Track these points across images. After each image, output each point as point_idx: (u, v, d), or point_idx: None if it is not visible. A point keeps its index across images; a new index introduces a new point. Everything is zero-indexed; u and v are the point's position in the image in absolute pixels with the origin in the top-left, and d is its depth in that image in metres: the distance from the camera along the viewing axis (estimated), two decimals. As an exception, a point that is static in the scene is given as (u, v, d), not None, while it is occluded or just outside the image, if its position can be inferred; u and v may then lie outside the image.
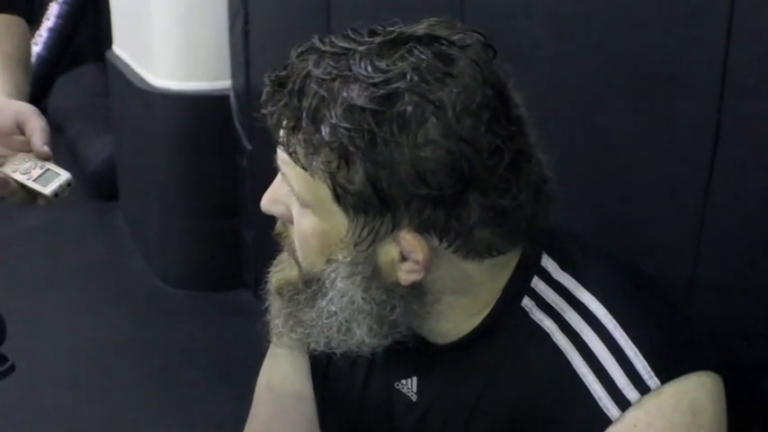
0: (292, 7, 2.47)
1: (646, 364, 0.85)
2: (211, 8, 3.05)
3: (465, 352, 0.94)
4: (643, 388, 0.84)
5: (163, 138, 3.19)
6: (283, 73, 0.84)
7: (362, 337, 0.90)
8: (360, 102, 0.79)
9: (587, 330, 0.88)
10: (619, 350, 0.86)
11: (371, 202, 0.82)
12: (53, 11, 4.88)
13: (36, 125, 1.07)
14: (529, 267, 0.92)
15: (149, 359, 2.86)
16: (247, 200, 3.08)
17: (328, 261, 0.87)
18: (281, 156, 0.86)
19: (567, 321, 0.89)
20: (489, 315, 0.92)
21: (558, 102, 1.31)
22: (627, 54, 1.21)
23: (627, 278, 0.93)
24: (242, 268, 3.20)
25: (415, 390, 0.99)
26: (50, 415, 2.56)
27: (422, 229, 0.83)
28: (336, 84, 0.80)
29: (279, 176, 0.89)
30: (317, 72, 0.82)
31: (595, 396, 0.86)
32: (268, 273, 0.97)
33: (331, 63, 0.82)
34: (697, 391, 0.85)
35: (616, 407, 0.84)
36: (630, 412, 0.84)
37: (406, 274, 0.86)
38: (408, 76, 0.79)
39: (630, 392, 0.84)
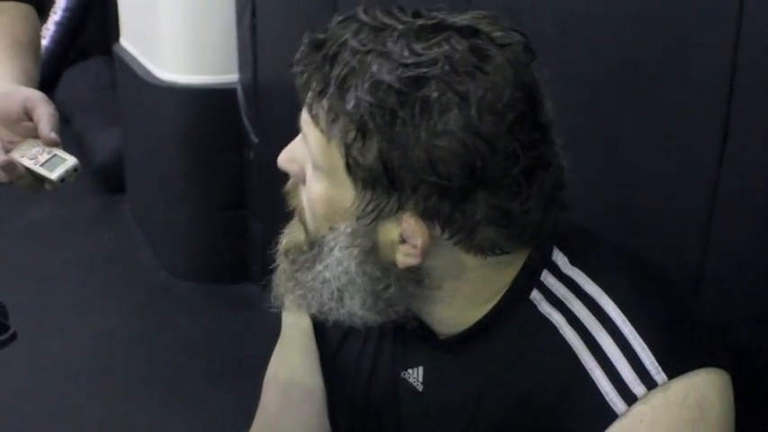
0: (300, 1, 2.47)
1: (653, 359, 0.85)
2: (219, 1, 3.05)
3: (472, 343, 0.94)
4: (650, 383, 0.84)
5: (170, 131, 3.19)
6: (322, 35, 0.85)
7: (354, 308, 0.91)
8: (387, 79, 0.79)
9: (595, 325, 0.88)
10: (627, 345, 0.86)
11: (380, 180, 0.82)
12: (60, 4, 4.88)
13: (43, 111, 1.08)
14: (539, 261, 0.92)
15: (156, 351, 2.87)
16: (254, 193, 3.08)
17: (331, 228, 0.88)
18: (304, 116, 0.87)
19: (575, 315, 0.89)
20: (496, 306, 0.92)
21: (568, 99, 1.30)
22: (636, 52, 1.21)
23: (636, 273, 0.93)
24: (248, 261, 3.21)
25: (421, 379, 0.99)
26: (56, 407, 2.57)
27: (425, 215, 0.84)
28: (369, 57, 0.81)
29: (299, 136, 0.90)
30: (353, 42, 0.82)
31: (602, 390, 0.86)
32: (274, 266, 0.98)
33: (368, 36, 0.82)
34: (704, 387, 0.85)
35: (623, 401, 0.84)
36: (637, 407, 0.84)
37: (403, 257, 0.87)
38: (440, 64, 0.80)
39: (637, 387, 0.84)
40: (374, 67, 0.80)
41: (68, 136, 4.34)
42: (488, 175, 0.81)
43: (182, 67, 3.13)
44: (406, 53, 0.80)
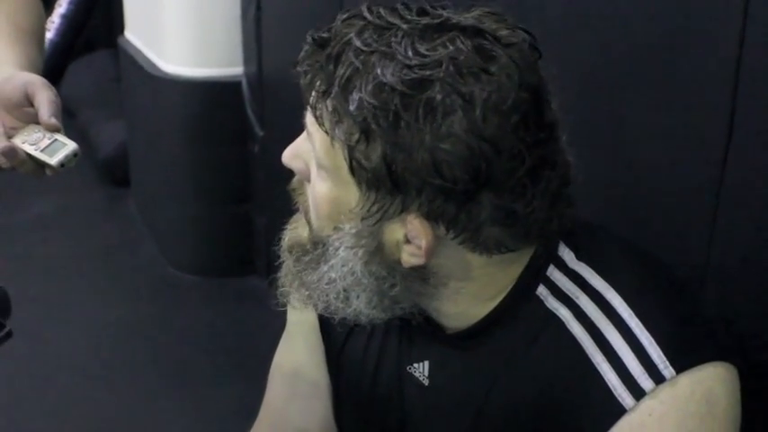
0: (305, -7, 2.47)
1: (661, 353, 0.84)
2: (224, -6, 3.05)
3: (478, 338, 0.94)
4: (658, 377, 0.84)
5: (175, 124, 3.19)
6: (326, 34, 0.84)
7: (360, 307, 0.91)
8: (391, 81, 0.79)
9: (603, 319, 0.88)
10: (634, 339, 0.86)
11: (384, 182, 0.82)
12: (66, -3, 4.88)
13: (44, 97, 1.08)
14: (545, 257, 0.92)
15: (161, 345, 2.88)
16: (259, 186, 3.08)
17: (335, 228, 0.87)
18: (308, 116, 0.86)
19: (582, 310, 0.89)
20: (502, 302, 0.92)
21: (573, 93, 1.30)
22: (641, 47, 1.20)
23: (643, 268, 0.92)
24: (253, 254, 3.21)
25: (426, 374, 0.99)
26: (62, 399, 2.58)
27: (430, 216, 0.83)
28: (373, 58, 0.80)
29: (304, 134, 0.89)
30: (357, 42, 0.81)
31: (610, 385, 0.85)
32: (279, 259, 0.98)
33: (373, 35, 0.81)
34: (712, 381, 0.84)
35: (631, 396, 0.84)
36: (645, 401, 0.84)
37: (408, 257, 0.87)
38: (444, 65, 0.79)
39: (645, 382, 0.84)
40: (378, 69, 0.80)
41: (73, 129, 4.36)
42: (493, 177, 0.81)
43: (186, 59, 3.13)
44: (411, 54, 0.80)
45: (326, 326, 1.08)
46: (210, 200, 3.24)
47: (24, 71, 1.14)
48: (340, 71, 0.81)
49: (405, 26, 0.82)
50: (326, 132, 0.83)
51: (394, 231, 0.85)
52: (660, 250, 1.02)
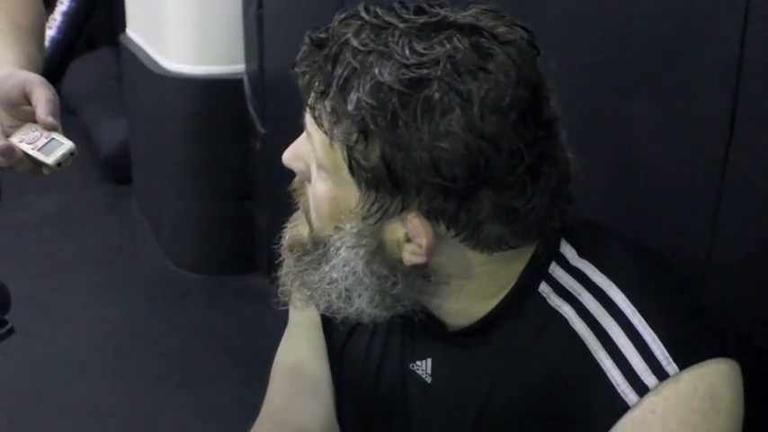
0: (306, -9, 2.47)
1: (664, 349, 0.84)
2: (225, -8, 3.05)
3: (481, 336, 0.94)
4: (661, 374, 0.84)
5: (176, 121, 3.19)
6: (323, 35, 0.84)
7: (362, 306, 0.90)
8: (388, 80, 0.79)
9: (605, 316, 0.88)
10: (637, 336, 0.86)
11: (383, 181, 0.82)
12: (67, -5, 4.89)
13: (41, 95, 1.07)
14: (547, 254, 0.92)
15: (163, 342, 2.88)
16: (260, 183, 3.08)
17: (336, 228, 0.87)
18: (308, 117, 0.86)
19: (584, 307, 0.89)
20: (504, 300, 0.92)
21: (573, 90, 1.30)
22: (643, 43, 1.20)
23: (645, 264, 0.92)
24: (255, 252, 3.21)
25: (429, 371, 0.99)
26: (63, 397, 2.58)
27: (430, 215, 0.83)
28: (370, 58, 0.80)
29: (304, 134, 0.89)
30: (354, 42, 0.81)
31: (613, 382, 0.85)
32: (280, 260, 0.98)
33: (370, 35, 0.81)
34: (715, 378, 0.84)
35: (634, 392, 0.84)
36: (648, 398, 0.84)
37: (409, 256, 0.87)
38: (441, 64, 0.79)
39: (648, 378, 0.84)
40: (375, 69, 0.80)
41: (75, 127, 4.37)
42: (493, 175, 0.81)
43: (188, 57, 3.13)
44: (408, 53, 0.80)
45: (328, 324, 1.08)
46: (212, 197, 3.24)
47: (23, 70, 1.14)
48: (338, 71, 0.81)
49: (402, 25, 0.82)
50: (325, 133, 0.83)
51: (395, 230, 0.86)
52: (661, 249, 1.02)
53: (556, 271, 0.91)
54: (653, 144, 1.21)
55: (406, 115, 0.79)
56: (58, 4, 4.89)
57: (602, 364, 0.86)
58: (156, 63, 3.28)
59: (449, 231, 0.85)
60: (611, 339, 0.87)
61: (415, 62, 0.79)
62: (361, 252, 0.87)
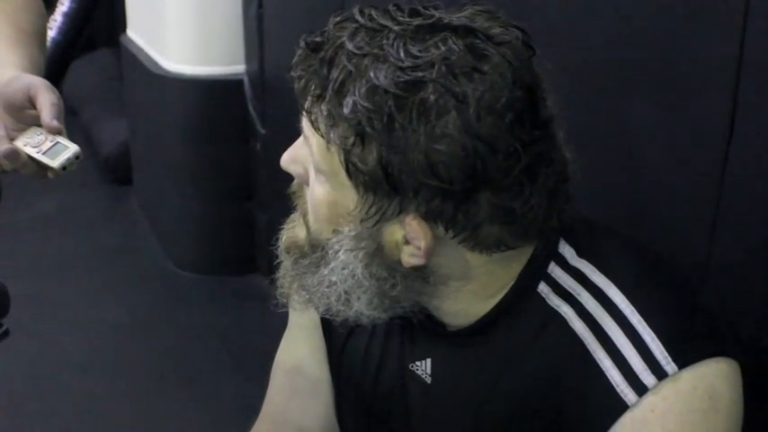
0: (306, -9, 2.47)
1: (663, 349, 0.84)
2: (225, -8, 3.05)
3: (480, 336, 0.94)
4: (660, 373, 0.84)
5: (177, 122, 3.19)
6: (319, 39, 0.84)
7: (361, 308, 0.90)
8: (384, 84, 0.79)
9: (604, 316, 0.88)
10: (636, 336, 0.86)
11: (381, 184, 0.82)
12: (67, -5, 4.89)
13: (46, 99, 1.07)
14: (545, 254, 0.92)
15: (163, 343, 2.88)
16: (261, 184, 3.08)
17: (334, 231, 0.88)
18: (304, 121, 0.86)
19: (584, 307, 0.89)
20: (503, 300, 0.92)
21: (574, 90, 1.30)
22: (642, 44, 1.20)
23: (644, 264, 0.92)
24: (255, 253, 3.21)
25: (429, 372, 0.99)
26: (63, 398, 2.58)
27: (428, 217, 0.83)
28: (365, 61, 0.80)
29: (301, 138, 0.90)
30: (349, 45, 0.81)
31: (612, 382, 0.85)
32: (278, 262, 0.98)
33: (365, 38, 0.82)
34: (714, 377, 0.84)
35: (633, 392, 0.84)
36: (647, 398, 0.84)
37: (408, 257, 0.87)
38: (436, 66, 0.79)
39: (648, 378, 0.84)
40: (371, 72, 0.80)
41: (75, 127, 4.36)
42: (490, 176, 0.81)
43: (188, 57, 3.13)
44: (403, 56, 0.80)
45: (328, 324, 1.08)
46: (213, 198, 3.23)
47: (27, 73, 1.14)
48: (333, 75, 0.81)
49: (396, 28, 0.82)
50: (322, 136, 0.84)
51: (393, 232, 0.86)
52: (661, 249, 1.02)
53: (555, 271, 0.91)
54: (653, 144, 1.21)
55: (403, 118, 0.79)
56: (58, 4, 4.89)
57: (601, 364, 0.86)
58: (156, 64, 3.28)
59: (447, 233, 0.85)
60: (611, 339, 0.87)
61: (411, 65, 0.79)
62: (360, 255, 0.87)
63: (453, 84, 0.79)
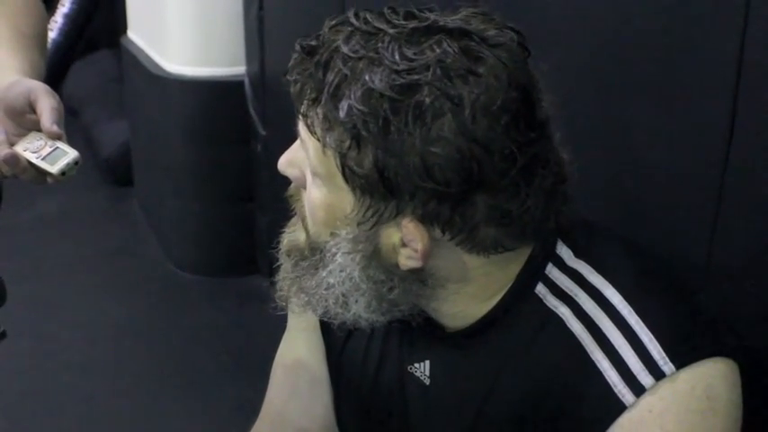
0: (307, -8, 2.47)
1: (661, 349, 0.84)
2: (226, -7, 3.05)
3: (478, 337, 0.94)
4: (658, 374, 0.84)
5: (177, 123, 3.19)
6: (314, 42, 0.84)
7: (359, 311, 0.91)
8: (379, 87, 0.79)
9: (602, 316, 0.88)
10: (634, 336, 0.86)
11: (377, 187, 0.82)
12: (68, -3, 4.89)
13: (46, 104, 1.07)
14: (543, 255, 0.92)
15: (164, 344, 2.88)
16: (262, 185, 3.08)
17: (332, 234, 0.88)
18: (301, 124, 0.87)
19: (581, 307, 0.89)
20: (501, 301, 0.92)
21: (574, 91, 1.30)
22: (642, 44, 1.20)
23: (642, 264, 0.92)
24: (256, 254, 3.21)
25: (427, 373, 0.99)
26: (64, 399, 2.58)
27: (425, 219, 0.84)
28: (361, 64, 0.80)
29: (298, 141, 0.90)
30: (345, 49, 0.82)
31: (610, 382, 0.85)
32: (277, 264, 0.98)
33: (360, 42, 0.82)
34: (712, 377, 0.84)
35: (631, 392, 0.84)
36: (645, 398, 0.84)
37: (405, 260, 0.87)
38: (431, 69, 0.79)
39: (645, 378, 0.84)
40: (366, 75, 0.80)
41: (76, 129, 4.38)
42: (486, 178, 0.81)
43: (189, 59, 3.13)
44: (398, 59, 0.80)
45: (327, 326, 1.08)
46: (213, 199, 3.24)
47: (27, 77, 1.14)
48: (329, 79, 0.81)
49: (392, 31, 0.82)
50: (318, 140, 0.84)
51: (390, 235, 0.86)
52: (661, 251, 1.03)
53: (552, 272, 0.91)
54: (653, 144, 1.21)
55: (398, 121, 0.79)
56: (59, 6, 4.89)
57: (598, 365, 0.86)
58: (157, 65, 3.29)
59: (444, 235, 0.85)
60: (608, 340, 0.87)
61: (406, 68, 0.79)
62: (358, 257, 0.87)
63: (448, 86, 0.79)
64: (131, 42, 3.68)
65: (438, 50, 0.80)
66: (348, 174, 0.83)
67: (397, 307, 0.92)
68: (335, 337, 1.07)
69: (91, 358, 2.79)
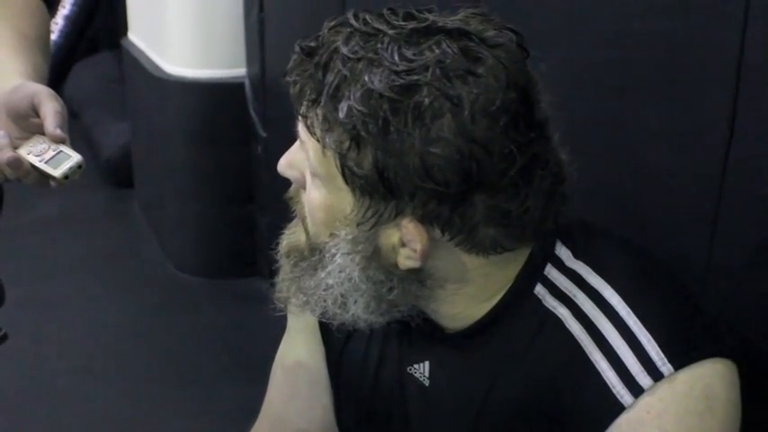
0: (307, -6, 2.47)
1: (659, 350, 0.84)
2: (227, -5, 3.05)
3: (478, 338, 0.94)
4: (656, 374, 0.84)
5: (178, 125, 3.19)
6: (313, 43, 0.85)
7: (358, 312, 0.91)
8: (379, 88, 0.79)
9: (601, 317, 0.88)
10: (632, 337, 0.86)
11: (377, 188, 0.82)
12: (69, -2, 4.90)
13: (50, 108, 1.07)
14: (542, 256, 0.92)
15: (164, 345, 2.88)
16: (262, 187, 3.08)
17: (332, 235, 0.88)
18: (300, 125, 0.87)
19: (580, 308, 0.89)
20: (500, 302, 0.92)
21: (573, 87, 1.30)
22: (642, 40, 1.20)
23: (640, 265, 0.92)
24: (256, 255, 3.21)
25: (427, 374, 0.99)
26: (64, 400, 2.58)
27: (424, 220, 0.84)
28: (360, 65, 0.80)
29: (297, 142, 0.90)
30: (344, 49, 0.82)
31: (609, 383, 0.85)
32: (277, 266, 0.98)
33: (359, 43, 0.82)
34: (711, 378, 0.84)
35: (629, 393, 0.84)
36: (644, 399, 0.84)
37: (405, 260, 0.87)
38: (431, 70, 0.79)
39: (644, 379, 0.84)
40: (365, 76, 0.80)
41: (77, 130, 4.37)
42: (485, 178, 0.81)
43: (190, 61, 3.13)
44: (397, 59, 0.80)
45: (326, 327, 1.08)
46: (214, 201, 3.24)
47: (31, 80, 1.14)
48: (328, 79, 0.82)
49: (391, 32, 0.82)
50: (318, 141, 0.84)
51: (389, 236, 0.86)
52: (661, 251, 1.02)
53: (551, 273, 0.91)
54: (653, 144, 1.21)
55: (397, 122, 0.79)
56: (60, 8, 4.90)
57: (597, 366, 0.86)
58: (157, 67, 3.29)
59: (443, 235, 0.85)
60: (607, 340, 0.87)
61: (405, 68, 0.79)
62: (357, 258, 0.87)
63: (448, 87, 0.79)
64: (132, 44, 3.68)
65: (437, 51, 0.80)
66: (348, 174, 0.83)
67: (396, 308, 0.92)
68: (335, 339, 1.07)
69: (91, 359, 2.79)
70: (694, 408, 0.84)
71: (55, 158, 1.06)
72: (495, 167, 0.81)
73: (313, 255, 0.91)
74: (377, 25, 0.83)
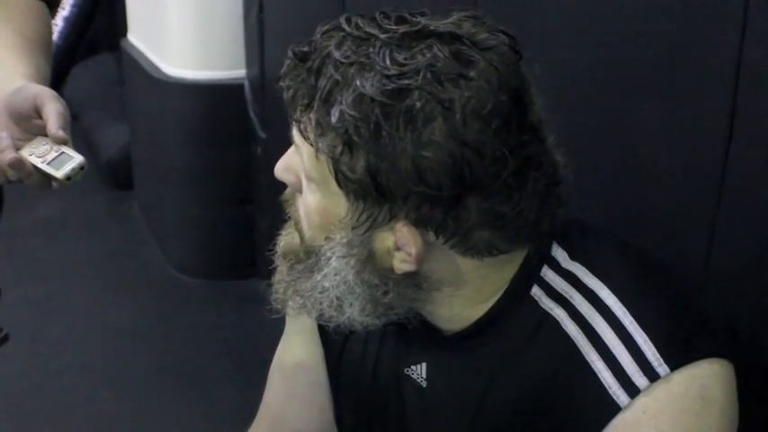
0: (306, -5, 2.47)
1: (655, 351, 0.84)
2: (226, -3, 3.06)
3: (474, 339, 0.94)
4: (652, 375, 0.83)
5: (177, 126, 3.20)
6: (306, 48, 0.85)
7: (353, 315, 0.91)
8: (370, 92, 0.79)
9: (597, 318, 0.87)
10: (628, 337, 0.85)
11: (370, 192, 0.82)
12: (68, 0, 4.89)
13: (52, 109, 1.07)
14: (538, 257, 0.91)
15: (164, 347, 2.88)
16: (261, 188, 3.08)
17: (327, 238, 0.88)
18: (294, 130, 0.87)
19: (576, 309, 0.89)
20: (497, 304, 0.92)
21: (573, 88, 1.30)
22: (642, 40, 1.20)
23: (637, 265, 0.92)
24: (256, 257, 3.21)
25: (424, 375, 0.99)
26: (64, 401, 2.58)
27: (418, 223, 0.84)
28: (352, 70, 0.81)
29: (293, 146, 0.90)
30: (336, 54, 0.82)
31: (605, 383, 0.85)
32: (273, 267, 0.98)
33: (351, 47, 0.82)
34: (707, 378, 0.84)
35: (625, 394, 0.84)
36: (640, 399, 0.84)
37: (400, 264, 0.87)
38: (422, 74, 0.79)
39: (640, 379, 0.84)
40: (357, 81, 0.80)
41: (76, 132, 4.36)
42: (478, 181, 0.81)
43: (189, 62, 3.13)
44: (389, 64, 0.80)
45: (325, 329, 1.08)
46: (213, 202, 3.24)
47: (33, 82, 1.14)
48: (321, 84, 0.82)
49: (383, 36, 0.82)
50: (312, 145, 0.84)
51: (384, 239, 0.86)
52: (660, 251, 1.02)
53: (547, 274, 0.91)
54: (653, 144, 1.21)
55: (389, 126, 0.79)
56: (59, 9, 4.90)
57: (593, 366, 0.86)
58: (157, 68, 3.29)
59: (438, 239, 0.85)
60: (603, 341, 0.86)
61: (396, 72, 0.79)
62: (352, 261, 0.87)
63: (439, 90, 0.79)
64: (131, 45, 3.68)
65: (428, 55, 0.80)
66: (341, 179, 0.83)
67: (392, 310, 0.92)
68: (333, 341, 1.07)
69: (91, 360, 2.79)
70: (690, 408, 0.83)
71: (57, 160, 1.06)
72: (488, 170, 0.80)
73: (309, 257, 0.91)
74: (369, 29, 0.83)
